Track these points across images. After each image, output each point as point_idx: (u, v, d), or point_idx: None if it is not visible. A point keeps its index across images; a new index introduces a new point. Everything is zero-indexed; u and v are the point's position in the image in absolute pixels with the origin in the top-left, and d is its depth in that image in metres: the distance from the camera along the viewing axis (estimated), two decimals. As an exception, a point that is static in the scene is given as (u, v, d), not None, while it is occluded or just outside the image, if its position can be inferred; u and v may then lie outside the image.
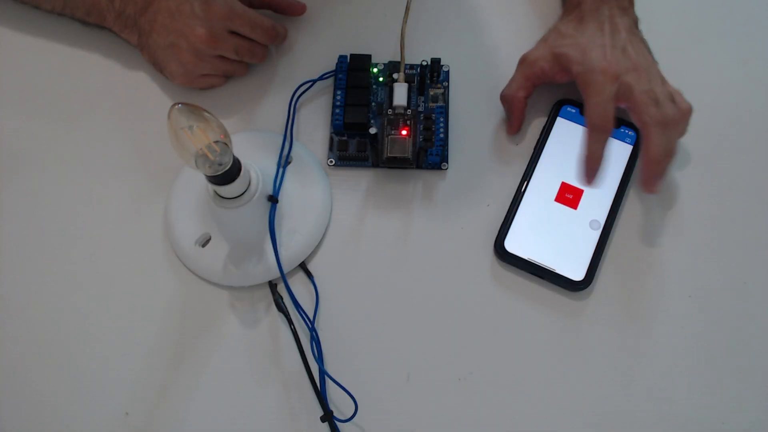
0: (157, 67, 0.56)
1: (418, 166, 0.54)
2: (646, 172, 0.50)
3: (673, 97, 0.50)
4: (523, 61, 0.54)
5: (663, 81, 0.51)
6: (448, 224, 0.53)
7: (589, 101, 0.50)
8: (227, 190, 0.46)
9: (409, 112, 0.53)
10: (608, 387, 0.48)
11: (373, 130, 0.51)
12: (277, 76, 0.58)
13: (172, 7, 0.52)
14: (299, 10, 0.59)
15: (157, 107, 0.57)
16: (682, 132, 0.51)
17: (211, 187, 0.47)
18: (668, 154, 0.50)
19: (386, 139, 0.52)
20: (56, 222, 0.53)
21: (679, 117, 0.50)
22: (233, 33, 0.53)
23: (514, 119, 0.55)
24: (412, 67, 0.57)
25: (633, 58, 0.50)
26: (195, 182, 0.52)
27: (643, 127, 0.50)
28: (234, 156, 0.44)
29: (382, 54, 0.58)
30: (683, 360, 0.49)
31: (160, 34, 0.53)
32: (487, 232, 0.52)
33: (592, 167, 0.49)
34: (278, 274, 0.49)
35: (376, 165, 0.55)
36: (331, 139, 0.55)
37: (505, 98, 0.55)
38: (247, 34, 0.54)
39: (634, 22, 0.53)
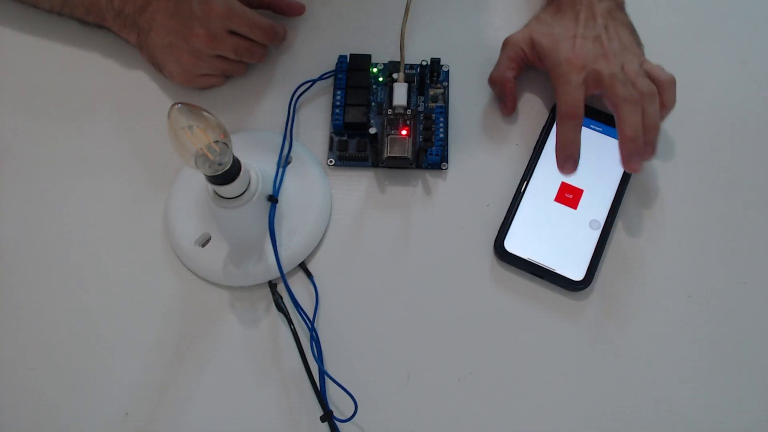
0: (156, 67, 0.56)
1: (418, 166, 0.54)
2: (623, 151, 0.50)
3: (650, 72, 0.51)
4: (506, 44, 0.56)
5: (641, 60, 0.52)
6: (448, 224, 0.53)
7: (557, 91, 0.51)
8: (227, 190, 0.46)
9: (408, 112, 0.53)
10: (608, 387, 0.48)
11: (373, 130, 0.51)
12: (277, 76, 0.58)
13: (170, 7, 0.52)
14: (298, 11, 0.59)
15: (156, 107, 0.56)
16: (668, 104, 0.51)
17: (210, 186, 0.47)
18: (653, 127, 0.50)
19: (386, 138, 0.52)
20: (56, 222, 0.53)
21: (654, 91, 0.50)
22: (232, 33, 0.53)
23: (507, 100, 0.55)
24: (412, 67, 0.57)
25: (605, 45, 0.51)
26: (195, 182, 0.52)
27: (613, 108, 0.50)
28: (234, 156, 0.44)
29: (382, 54, 0.57)
30: (683, 360, 0.49)
31: (158, 34, 0.53)
32: (487, 232, 0.52)
33: (567, 153, 0.50)
34: (278, 274, 0.49)
35: (376, 165, 0.55)
36: (331, 139, 0.55)
37: (493, 80, 0.56)
38: (246, 34, 0.54)
39: (617, 4, 0.54)
